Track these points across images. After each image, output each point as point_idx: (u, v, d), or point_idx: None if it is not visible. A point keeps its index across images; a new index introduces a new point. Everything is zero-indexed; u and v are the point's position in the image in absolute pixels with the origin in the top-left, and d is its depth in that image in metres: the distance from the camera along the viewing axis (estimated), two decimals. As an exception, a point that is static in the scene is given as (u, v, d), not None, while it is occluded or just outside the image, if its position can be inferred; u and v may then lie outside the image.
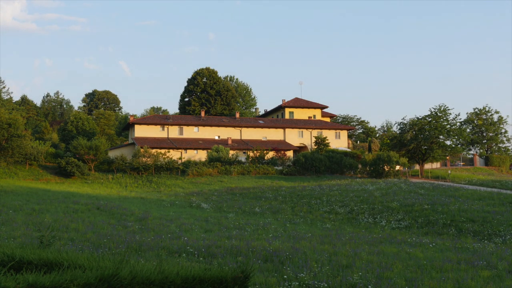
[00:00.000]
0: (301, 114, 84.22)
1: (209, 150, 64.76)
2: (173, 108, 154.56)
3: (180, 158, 64.86)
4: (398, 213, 30.70)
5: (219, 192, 43.99)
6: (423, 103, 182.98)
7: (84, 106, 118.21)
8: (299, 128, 77.28)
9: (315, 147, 71.21)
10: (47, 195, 35.90)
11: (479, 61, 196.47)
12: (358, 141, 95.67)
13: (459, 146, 69.40)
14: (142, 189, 48.91)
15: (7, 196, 34.36)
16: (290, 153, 69.12)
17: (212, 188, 47.34)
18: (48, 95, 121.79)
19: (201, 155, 66.55)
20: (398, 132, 68.66)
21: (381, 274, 12.89)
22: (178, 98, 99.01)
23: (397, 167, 58.94)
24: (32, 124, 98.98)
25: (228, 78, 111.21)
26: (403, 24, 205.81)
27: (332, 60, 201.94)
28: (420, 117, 64.72)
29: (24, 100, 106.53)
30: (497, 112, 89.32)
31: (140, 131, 70.71)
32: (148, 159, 59.45)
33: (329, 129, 78.18)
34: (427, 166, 71.57)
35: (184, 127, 72.71)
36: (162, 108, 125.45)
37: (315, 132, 76.95)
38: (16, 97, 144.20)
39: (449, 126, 64.28)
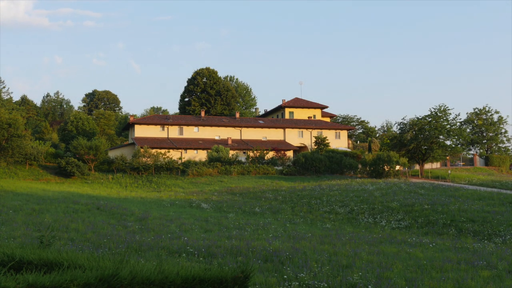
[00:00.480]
0: (301, 114, 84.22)
1: (209, 150, 64.76)
2: (173, 108, 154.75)
3: (180, 158, 64.86)
4: (398, 213, 30.70)
5: (219, 192, 44.00)
6: (423, 103, 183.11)
7: (84, 106, 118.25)
8: (299, 128, 77.28)
9: (315, 147, 71.21)
10: (47, 195, 35.90)
11: (479, 61, 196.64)
12: (358, 141, 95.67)
13: (459, 146, 69.37)
14: (142, 189, 48.91)
15: (7, 196, 34.35)
16: (290, 153, 69.12)
17: (212, 188, 47.35)
18: (48, 95, 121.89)
19: (201, 155, 66.55)
20: (398, 132, 68.66)
21: (381, 274, 12.88)
22: (178, 98, 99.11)
23: (397, 167, 58.93)
24: (32, 124, 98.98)
25: (228, 78, 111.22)
26: (403, 24, 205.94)
27: (332, 60, 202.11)
28: (420, 117, 64.72)
29: (24, 100, 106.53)
30: (497, 112, 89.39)
31: (140, 131, 70.72)
32: (148, 159, 59.46)
33: (329, 129, 78.18)
34: (427, 166, 71.57)
35: (184, 127, 72.72)
36: (162, 108, 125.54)
37: (315, 132, 76.96)
38: (16, 97, 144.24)
39: (449, 126, 64.27)
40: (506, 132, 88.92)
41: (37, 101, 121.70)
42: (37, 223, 21.37)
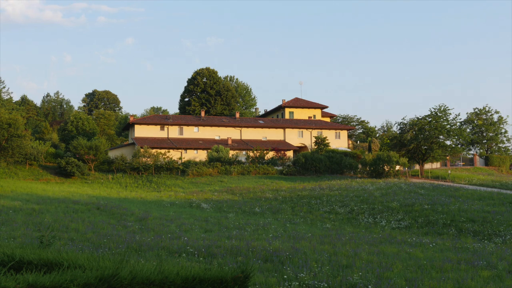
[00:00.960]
0: (301, 114, 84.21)
1: (209, 150, 64.75)
2: (173, 108, 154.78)
3: (180, 158, 64.87)
4: (398, 213, 30.70)
5: (219, 192, 43.99)
6: (423, 103, 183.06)
7: (84, 106, 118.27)
8: (299, 128, 77.27)
9: (315, 147, 71.19)
10: (47, 195, 35.90)
11: (479, 61, 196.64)
12: (358, 141, 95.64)
13: (459, 146, 69.27)
14: (142, 189, 48.91)
15: (7, 196, 34.34)
16: (290, 153, 69.11)
17: (212, 188, 47.35)
18: (48, 95, 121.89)
19: (201, 155, 66.54)
20: (398, 132, 68.62)
21: (381, 274, 12.88)
22: (178, 98, 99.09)
23: (397, 167, 58.91)
24: (32, 124, 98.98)
25: (228, 78, 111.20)
26: (403, 24, 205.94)
27: (332, 60, 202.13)
28: (420, 117, 64.69)
29: (24, 100, 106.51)
30: (497, 112, 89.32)
31: (140, 131, 70.72)
32: (148, 159, 59.46)
33: (329, 129, 78.17)
34: (427, 166, 71.55)
35: (184, 127, 72.71)
36: (162, 108, 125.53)
37: (315, 132, 76.95)
38: (16, 97, 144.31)
39: (449, 126, 64.23)
40: (506, 132, 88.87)
41: (37, 101, 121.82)
42: (37, 223, 21.37)
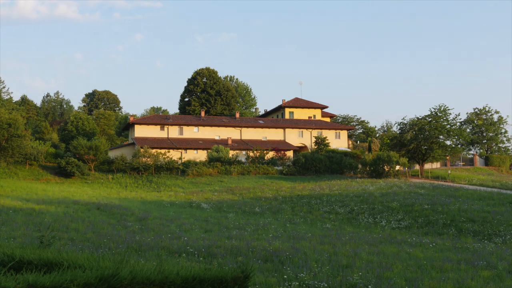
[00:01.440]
0: (301, 114, 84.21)
1: (209, 150, 64.75)
2: (173, 108, 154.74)
3: (180, 158, 64.87)
4: (398, 213, 30.70)
5: (219, 192, 43.99)
6: (423, 103, 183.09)
7: (84, 106, 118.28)
8: (299, 128, 77.26)
9: (315, 147, 71.18)
10: (47, 195, 35.91)
11: (479, 61, 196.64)
12: (358, 141, 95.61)
13: (459, 146, 69.21)
14: (142, 189, 48.92)
15: (7, 196, 34.35)
16: (290, 153, 69.11)
17: (212, 188, 47.36)
18: (48, 95, 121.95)
19: (201, 155, 66.54)
20: (398, 132, 68.61)
21: (381, 274, 12.88)
22: (178, 98, 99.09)
23: (397, 167, 58.90)
24: (32, 124, 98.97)
25: (228, 78, 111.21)
26: (402, 24, 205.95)
27: (332, 60, 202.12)
28: (420, 117, 64.68)
29: (24, 100, 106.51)
30: (497, 112, 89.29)
31: (140, 131, 70.72)
32: (148, 159, 59.47)
33: (329, 129, 78.17)
34: (427, 166, 71.53)
35: (184, 127, 72.71)
36: (162, 108, 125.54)
37: (315, 132, 76.94)
38: (16, 97, 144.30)
39: (449, 126, 64.22)
40: (506, 132, 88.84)
41: (37, 101, 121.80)
42: (37, 223, 21.37)
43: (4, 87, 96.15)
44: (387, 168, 57.08)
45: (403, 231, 26.22)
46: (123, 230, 21.25)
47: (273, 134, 75.85)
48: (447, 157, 73.10)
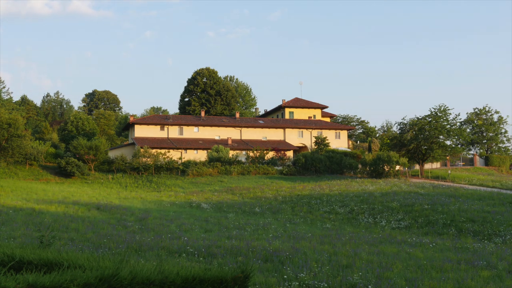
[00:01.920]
0: (301, 114, 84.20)
1: (209, 150, 64.75)
2: (173, 108, 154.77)
3: (180, 158, 64.86)
4: (398, 213, 30.69)
5: (219, 192, 43.99)
6: (423, 103, 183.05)
7: (84, 106, 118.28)
8: (299, 128, 77.25)
9: (315, 147, 71.18)
10: (47, 195, 35.91)
11: (479, 61, 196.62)
12: (358, 141, 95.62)
13: (459, 146, 69.17)
14: (142, 189, 48.92)
15: (7, 196, 34.35)
16: (290, 153, 69.10)
17: (212, 188, 47.36)
18: (48, 95, 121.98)
19: (201, 155, 66.54)
20: (398, 132, 68.60)
21: (381, 274, 12.88)
22: (178, 98, 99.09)
23: (397, 167, 58.90)
24: (32, 124, 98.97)
25: (228, 78, 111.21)
26: (403, 24, 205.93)
27: (332, 60, 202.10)
28: (420, 117, 64.67)
29: (24, 100, 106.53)
30: (497, 112, 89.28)
31: (140, 131, 70.71)
32: (148, 159, 59.46)
33: (329, 129, 78.16)
34: (427, 166, 71.52)
35: (184, 127, 72.71)
36: (162, 108, 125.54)
37: (315, 132, 76.93)
38: (16, 97, 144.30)
39: (449, 126, 64.21)
40: (506, 132, 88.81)
41: (37, 101, 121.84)
42: (37, 223, 21.37)
43: (4, 87, 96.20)
44: (387, 168, 57.08)
45: (403, 231, 26.21)
46: (123, 230, 21.25)
47: (273, 134, 75.85)
48: (447, 157, 73.08)
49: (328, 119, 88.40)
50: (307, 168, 61.55)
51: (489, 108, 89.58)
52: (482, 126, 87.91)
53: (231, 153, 65.50)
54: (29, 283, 6.32)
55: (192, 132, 72.71)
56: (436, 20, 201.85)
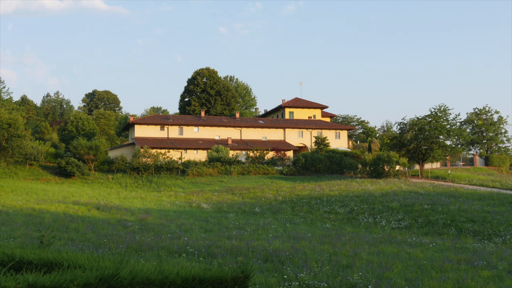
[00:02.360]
0: (301, 114, 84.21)
1: (209, 150, 64.76)
2: (173, 108, 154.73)
3: (180, 158, 64.86)
4: (398, 213, 30.69)
5: (219, 192, 44.00)
6: (423, 103, 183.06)
7: (84, 106, 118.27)
8: (299, 128, 77.26)
9: (315, 147, 71.18)
10: (47, 195, 35.91)
11: (479, 61, 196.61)
12: (358, 141, 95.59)
13: (459, 146, 69.14)
14: (142, 189, 48.92)
15: (7, 196, 34.35)
16: (290, 153, 69.11)
17: (212, 188, 47.36)
18: (48, 95, 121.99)
19: (201, 155, 66.54)
20: (398, 132, 68.59)
21: (381, 274, 12.88)
22: (178, 98, 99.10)
23: (397, 167, 58.89)
24: (32, 124, 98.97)
25: (228, 78, 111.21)
26: (403, 24, 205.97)
27: (332, 60, 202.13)
28: (420, 117, 64.65)
29: (24, 100, 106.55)
30: (497, 112, 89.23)
31: (140, 131, 70.72)
32: (148, 159, 59.46)
33: (329, 129, 78.16)
34: (427, 166, 71.51)
35: (184, 127, 72.71)
36: (162, 108, 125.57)
37: (315, 132, 76.94)
38: (16, 97, 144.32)
39: (449, 126, 64.20)
40: (506, 132, 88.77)
41: (37, 101, 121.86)
42: (37, 223, 21.38)
43: (4, 87, 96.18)
44: (387, 168, 57.08)
45: (403, 231, 26.21)
46: (123, 230, 21.25)
47: (273, 134, 75.85)
48: (447, 157, 73.07)
49: (328, 119, 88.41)
50: (307, 168, 61.56)
51: (489, 108, 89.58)
52: (482, 126, 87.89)
53: (231, 153, 65.50)
54: (29, 283, 6.32)
55: (192, 132, 72.72)
56: (436, 20, 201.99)
